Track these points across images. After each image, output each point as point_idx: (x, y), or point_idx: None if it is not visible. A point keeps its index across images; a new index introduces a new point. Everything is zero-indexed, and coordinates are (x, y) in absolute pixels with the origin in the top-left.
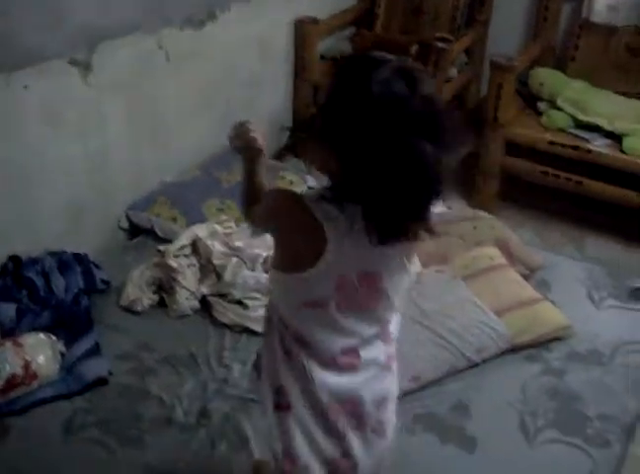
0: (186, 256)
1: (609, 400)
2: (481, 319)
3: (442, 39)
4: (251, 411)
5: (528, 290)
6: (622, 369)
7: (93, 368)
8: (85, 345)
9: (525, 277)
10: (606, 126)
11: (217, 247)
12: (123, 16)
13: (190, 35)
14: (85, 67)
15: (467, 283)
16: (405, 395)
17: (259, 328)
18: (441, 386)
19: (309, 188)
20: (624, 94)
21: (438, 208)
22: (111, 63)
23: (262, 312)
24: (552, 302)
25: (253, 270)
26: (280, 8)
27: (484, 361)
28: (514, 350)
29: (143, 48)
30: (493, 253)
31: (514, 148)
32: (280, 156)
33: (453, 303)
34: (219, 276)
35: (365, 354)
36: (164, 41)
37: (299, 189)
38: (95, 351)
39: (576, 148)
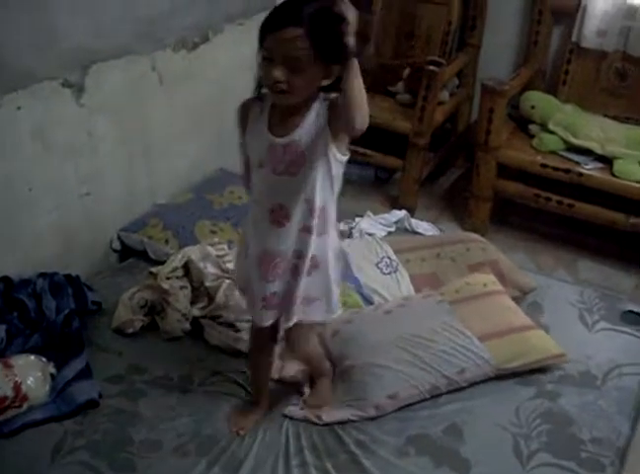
0: (178, 278)
1: (603, 423)
2: (463, 344)
3: (434, 63)
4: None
5: (521, 317)
6: (615, 392)
7: (83, 391)
8: (76, 367)
9: (517, 300)
10: (598, 150)
11: (210, 269)
12: (117, 38)
13: (183, 57)
14: (78, 89)
15: (456, 308)
16: (387, 414)
17: None
18: (435, 408)
19: None
20: (614, 118)
21: (430, 231)
22: (103, 85)
23: None
24: (544, 325)
25: None
26: None
27: (472, 385)
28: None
29: (136, 70)
30: (487, 279)
31: (505, 171)
32: None
33: (435, 328)
34: (211, 299)
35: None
36: (157, 64)
37: None
38: (86, 373)
39: (567, 171)
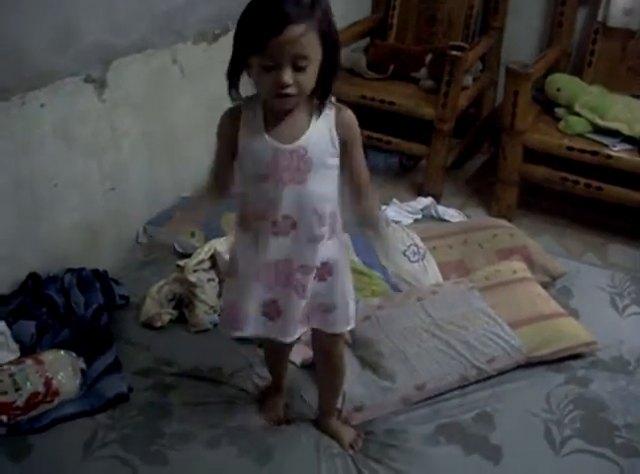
0: (205, 270)
1: (636, 409)
2: (494, 330)
3: (457, 48)
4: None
5: (551, 305)
6: None
7: (113, 385)
8: (105, 361)
9: (547, 285)
10: (626, 131)
11: None
12: (136, 32)
13: (204, 49)
14: (100, 84)
15: (486, 295)
16: (416, 403)
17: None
18: (464, 396)
19: None
20: None
21: (457, 218)
22: (125, 80)
23: None
24: (574, 310)
25: None
26: None
27: (502, 373)
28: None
29: (157, 64)
30: (517, 266)
31: (531, 155)
32: None
33: (467, 314)
34: None
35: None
36: (178, 56)
37: None
38: (115, 367)
39: (595, 154)
